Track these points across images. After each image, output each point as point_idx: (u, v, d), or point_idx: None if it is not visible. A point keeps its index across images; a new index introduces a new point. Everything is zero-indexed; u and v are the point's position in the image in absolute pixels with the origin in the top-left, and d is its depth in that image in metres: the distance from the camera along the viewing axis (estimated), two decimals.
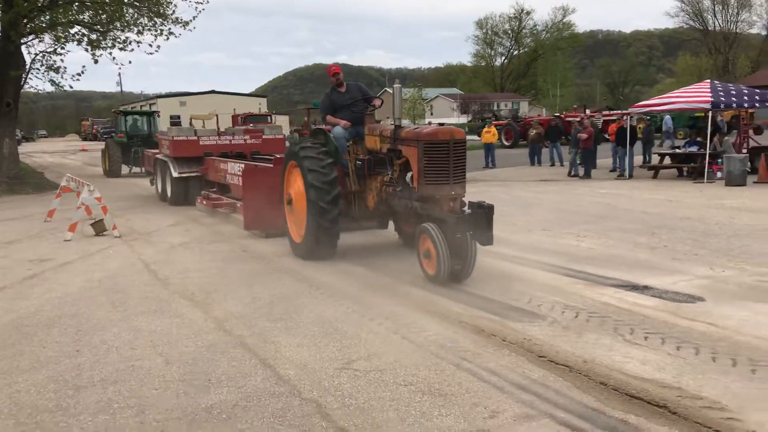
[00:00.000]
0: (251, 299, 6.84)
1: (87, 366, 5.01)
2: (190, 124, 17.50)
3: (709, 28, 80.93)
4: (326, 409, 4.13)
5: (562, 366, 4.78)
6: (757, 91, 18.95)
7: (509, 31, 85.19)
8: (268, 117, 37.78)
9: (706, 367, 4.68)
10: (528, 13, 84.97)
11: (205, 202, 13.87)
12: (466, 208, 7.18)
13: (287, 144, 15.02)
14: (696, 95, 17.95)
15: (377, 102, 9.20)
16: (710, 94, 17.32)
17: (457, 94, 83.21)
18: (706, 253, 8.48)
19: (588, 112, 47.76)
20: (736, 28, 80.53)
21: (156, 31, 22.00)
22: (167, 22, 22.10)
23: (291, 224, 9.17)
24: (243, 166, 12.15)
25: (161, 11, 21.91)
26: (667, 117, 29.71)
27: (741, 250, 8.59)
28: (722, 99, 17.36)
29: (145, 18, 22.14)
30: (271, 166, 11.55)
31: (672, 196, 14.64)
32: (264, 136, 15.87)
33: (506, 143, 37.97)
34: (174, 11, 22.30)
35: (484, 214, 6.84)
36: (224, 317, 6.22)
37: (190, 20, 22.68)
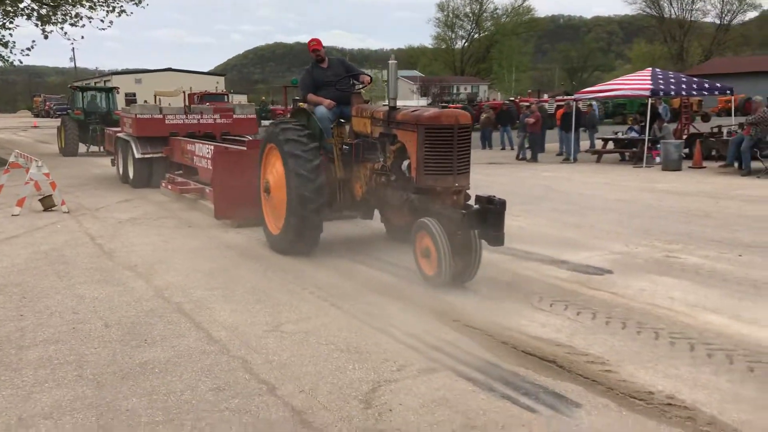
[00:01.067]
0: (191, 270, 7.19)
1: (30, 329, 5.34)
2: (155, 101, 17.47)
3: (665, 16, 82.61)
4: (251, 364, 4.55)
5: (472, 328, 5.26)
6: (695, 79, 19.82)
7: (470, 14, 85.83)
8: (225, 96, 37.77)
9: (598, 329, 5.21)
10: None
11: (170, 187, 12.94)
12: (472, 203, 6.40)
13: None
14: (637, 83, 18.68)
15: (365, 78, 8.31)
16: (650, 82, 18.06)
17: (418, 76, 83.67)
18: (627, 231, 9.09)
19: (546, 96, 48.81)
20: (690, 17, 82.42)
21: (108, 6, 21.86)
22: None
23: (268, 214, 8.28)
24: (213, 147, 11.52)
25: None
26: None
27: (659, 229, 9.22)
28: (662, 87, 18.11)
29: None
30: (245, 149, 10.70)
31: (610, 179, 15.34)
32: (235, 116, 15.13)
33: None
34: None
35: (494, 210, 6.02)
36: (164, 286, 6.57)
37: None
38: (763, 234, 8.70)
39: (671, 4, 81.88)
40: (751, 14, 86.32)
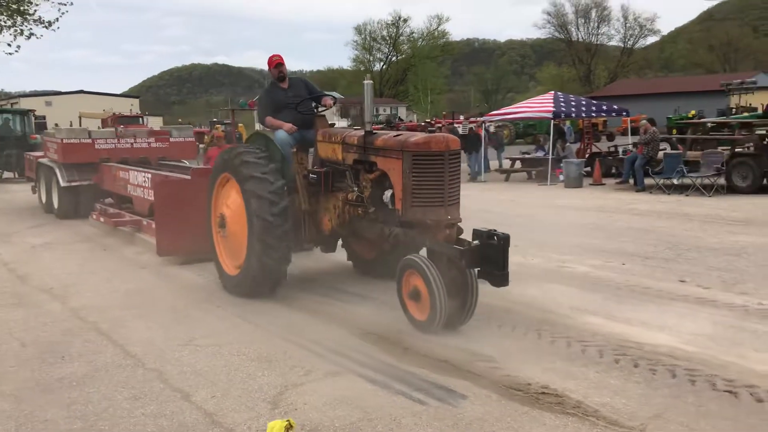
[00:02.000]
0: (108, 292, 7.38)
1: None
2: (80, 123, 16.91)
3: (573, 40, 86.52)
4: (165, 375, 4.85)
5: (375, 335, 5.71)
6: (594, 102, 21.15)
7: (387, 38, 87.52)
8: (140, 118, 37.27)
9: (490, 332, 5.74)
10: (405, 20, 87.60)
11: (102, 219, 11.73)
12: (473, 240, 5.67)
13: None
14: (541, 105, 19.78)
15: (329, 101, 7.53)
16: (553, 105, 19.17)
17: (337, 98, 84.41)
18: (525, 244, 9.74)
19: (462, 117, 50.36)
20: (596, 41, 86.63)
21: (16, 30, 21.45)
22: (28, 21, 21.59)
23: (224, 254, 7.36)
24: (151, 176, 10.60)
25: (21, 9, 21.38)
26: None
27: (554, 241, 9.95)
28: (563, 109, 19.26)
29: (4, 15, 21.56)
30: (189, 177, 9.63)
31: (515, 197, 16.20)
32: (172, 139, 14.02)
33: None
34: (36, 11, 21.86)
35: (497, 247, 5.43)
36: (80, 307, 6.75)
37: (54, 21, 22.28)
38: (645, 245, 9.55)
39: (578, 29, 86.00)
40: (652, 39, 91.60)
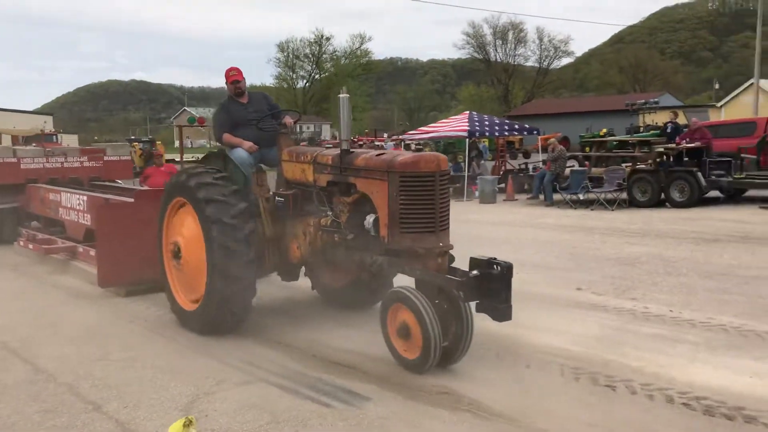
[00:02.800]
0: (18, 311, 7.32)
1: None
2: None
3: (492, 60, 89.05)
4: (78, 389, 4.94)
5: (286, 345, 5.94)
6: (507, 121, 22.06)
7: (310, 55, 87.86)
8: (54, 136, 36.23)
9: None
10: (328, 39, 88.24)
11: (31, 246, 10.62)
12: (470, 269, 5.12)
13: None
14: (457, 125, 20.49)
15: (289, 120, 6.89)
16: (468, 124, 19.89)
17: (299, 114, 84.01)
18: None
19: (385, 135, 51.09)
20: (514, 61, 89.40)
21: None
22: None
23: (178, 286, 6.69)
24: (88, 198, 9.70)
25: None
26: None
27: (464, 253, 10.37)
28: (477, 128, 20.00)
29: None
30: (132, 200, 8.77)
31: None
32: (106, 158, 13.05)
33: None
34: None
35: (500, 277, 4.96)
36: None
37: None
38: (549, 256, 10.11)
39: (496, 50, 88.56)
40: (566, 60, 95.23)
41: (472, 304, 5.14)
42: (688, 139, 15.77)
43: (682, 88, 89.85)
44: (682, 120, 18.15)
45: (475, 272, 5.01)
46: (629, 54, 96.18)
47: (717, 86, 71.27)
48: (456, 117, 22.18)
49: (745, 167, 15.76)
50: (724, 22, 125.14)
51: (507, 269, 4.96)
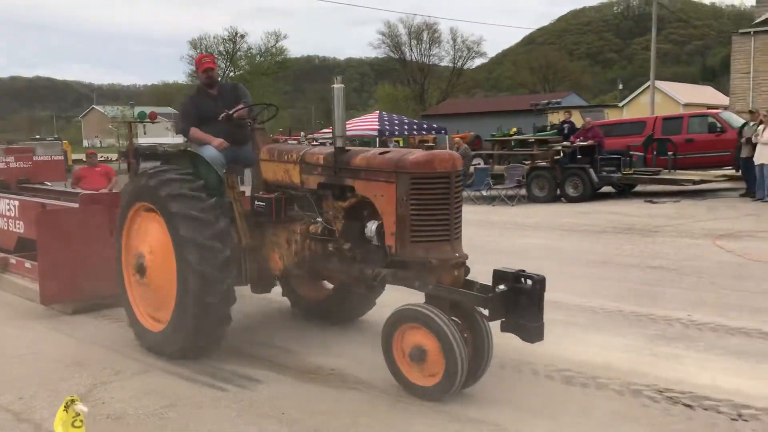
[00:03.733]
0: None
1: None
2: None
3: (407, 60, 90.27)
4: None
5: None
6: (416, 121, 22.73)
7: (224, 53, 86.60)
8: None
9: (308, 333, 6.29)
10: (242, 36, 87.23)
11: None
12: (494, 283, 4.55)
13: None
14: (368, 124, 20.97)
15: (246, 112, 6.10)
16: (378, 124, 20.41)
17: (173, 113, 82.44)
18: None
19: (302, 134, 51.18)
20: (429, 61, 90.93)
21: None
22: None
23: (140, 303, 5.89)
24: (20, 203, 8.64)
25: None
26: None
27: None
28: (387, 127, 20.55)
29: None
30: (76, 206, 7.76)
31: None
32: (35, 158, 11.69)
33: None
34: None
35: (531, 292, 4.39)
36: None
37: None
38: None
39: (412, 50, 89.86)
40: (480, 60, 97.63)
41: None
42: (581, 138, 16.75)
43: (590, 88, 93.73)
44: (577, 119, 19.20)
45: (502, 287, 4.45)
46: (540, 55, 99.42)
47: (621, 86, 74.69)
48: (366, 116, 22.65)
49: (634, 164, 16.89)
50: (628, 26, 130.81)
51: (540, 283, 4.38)
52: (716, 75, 69.24)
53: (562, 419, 4.29)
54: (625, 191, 17.17)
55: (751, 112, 16.64)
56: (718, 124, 18.19)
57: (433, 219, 4.60)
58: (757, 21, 38.23)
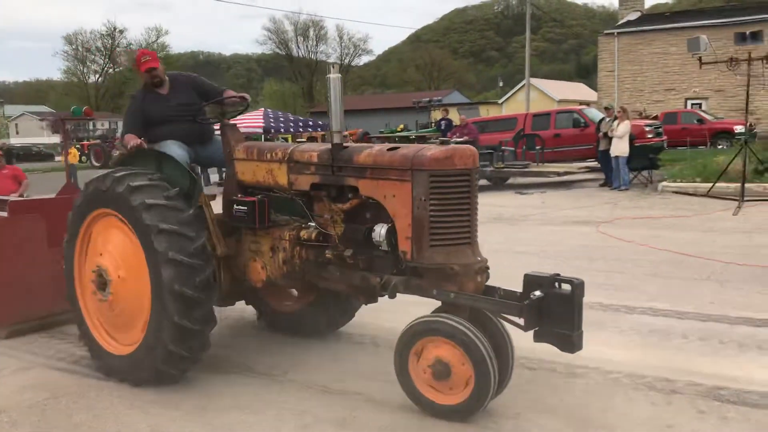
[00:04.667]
0: None
1: None
2: None
3: (294, 56, 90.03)
4: None
5: (59, 331, 6.31)
6: (301, 118, 23.05)
7: (102, 49, 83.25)
8: None
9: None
10: (121, 31, 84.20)
11: None
12: (525, 288, 4.17)
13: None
14: (253, 121, 21.05)
15: (231, 96, 5.62)
16: (263, 121, 20.57)
17: (48, 111, 78.39)
18: None
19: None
20: (316, 58, 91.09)
21: None
22: None
23: (100, 325, 5.27)
24: None
25: None
26: None
27: None
28: (272, 125, 20.76)
29: None
30: (5, 214, 6.48)
31: None
32: None
33: (96, 163, 38.81)
34: None
35: (569, 298, 4.02)
36: None
37: None
38: None
39: (299, 47, 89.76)
40: (367, 58, 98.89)
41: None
42: (458, 134, 17.66)
43: (473, 85, 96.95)
44: (455, 117, 20.18)
45: (538, 293, 4.10)
46: (425, 53, 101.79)
47: (501, 84, 77.92)
48: (251, 114, 22.70)
49: (506, 158, 18.00)
50: (508, 24, 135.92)
51: (579, 287, 4.04)
52: (590, 72, 73.54)
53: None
54: (498, 184, 18.28)
55: (606, 108, 18.12)
56: (582, 120, 19.70)
57: (454, 220, 4.21)
58: (620, 23, 41.22)
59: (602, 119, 17.34)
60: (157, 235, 4.60)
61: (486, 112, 39.87)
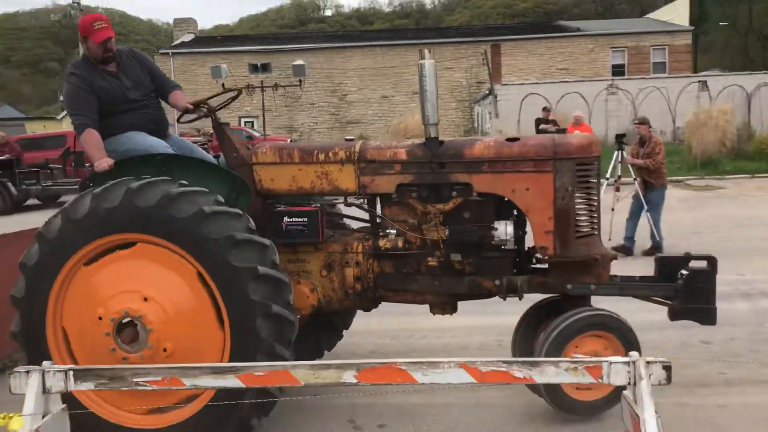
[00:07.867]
0: None
1: None
2: None
3: None
4: None
5: None
6: None
7: None
8: None
9: None
10: None
11: None
12: (661, 270, 4.36)
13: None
14: None
15: (180, 100, 4.56)
16: None
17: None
18: None
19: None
20: None
21: None
22: None
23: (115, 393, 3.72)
24: None
25: None
26: None
27: None
28: None
29: None
30: None
31: None
32: None
33: None
34: None
35: (707, 274, 4.22)
36: None
37: None
38: None
39: None
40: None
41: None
42: None
43: (31, 98, 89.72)
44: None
45: (684, 272, 4.22)
46: None
47: (61, 98, 73.94)
48: None
49: (56, 176, 18.02)
50: (68, 34, 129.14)
51: (713, 263, 4.26)
52: None
53: None
54: (50, 201, 18.17)
55: None
56: None
57: (594, 209, 4.22)
58: (175, 43, 43.23)
59: None
60: (252, 281, 3.63)
61: (44, 128, 38.03)
